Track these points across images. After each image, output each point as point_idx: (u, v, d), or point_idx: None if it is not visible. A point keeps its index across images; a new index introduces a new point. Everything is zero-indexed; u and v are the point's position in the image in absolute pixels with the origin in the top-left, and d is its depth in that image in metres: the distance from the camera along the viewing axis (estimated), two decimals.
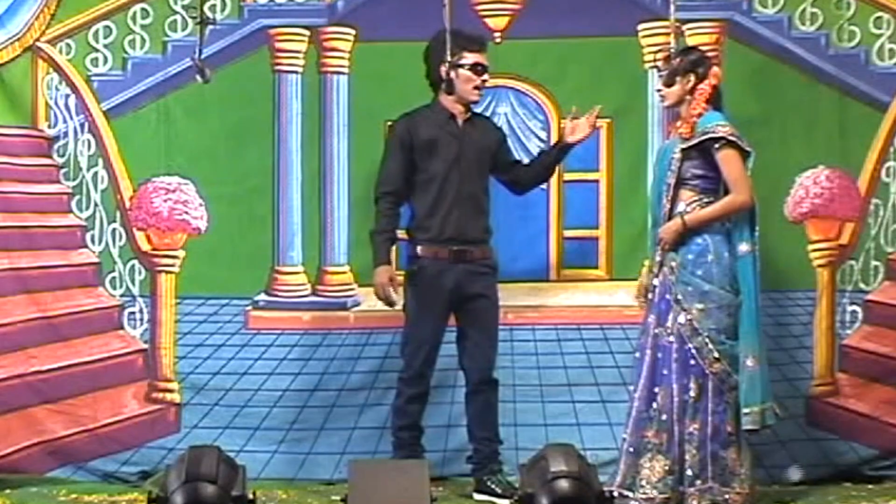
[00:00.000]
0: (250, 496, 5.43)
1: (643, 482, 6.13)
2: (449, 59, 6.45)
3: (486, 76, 6.54)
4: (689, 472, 6.08)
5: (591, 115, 6.59)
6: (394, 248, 6.56)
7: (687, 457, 6.09)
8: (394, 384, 6.77)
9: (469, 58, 6.50)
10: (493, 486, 6.52)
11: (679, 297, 6.12)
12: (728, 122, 6.20)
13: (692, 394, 6.10)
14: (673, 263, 6.16)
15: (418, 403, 6.58)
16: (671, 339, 6.14)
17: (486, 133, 6.61)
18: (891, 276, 7.10)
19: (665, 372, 6.14)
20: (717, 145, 6.13)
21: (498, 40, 7.09)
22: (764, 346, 6.20)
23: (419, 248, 6.53)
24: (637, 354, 6.29)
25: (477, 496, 6.59)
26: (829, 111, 7.07)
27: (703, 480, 6.09)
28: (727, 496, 6.09)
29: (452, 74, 6.49)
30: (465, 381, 6.64)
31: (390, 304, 6.51)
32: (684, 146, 6.17)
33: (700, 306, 6.11)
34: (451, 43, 6.43)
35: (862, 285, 7.12)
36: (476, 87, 6.52)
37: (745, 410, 6.10)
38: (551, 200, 7.13)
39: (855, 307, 7.11)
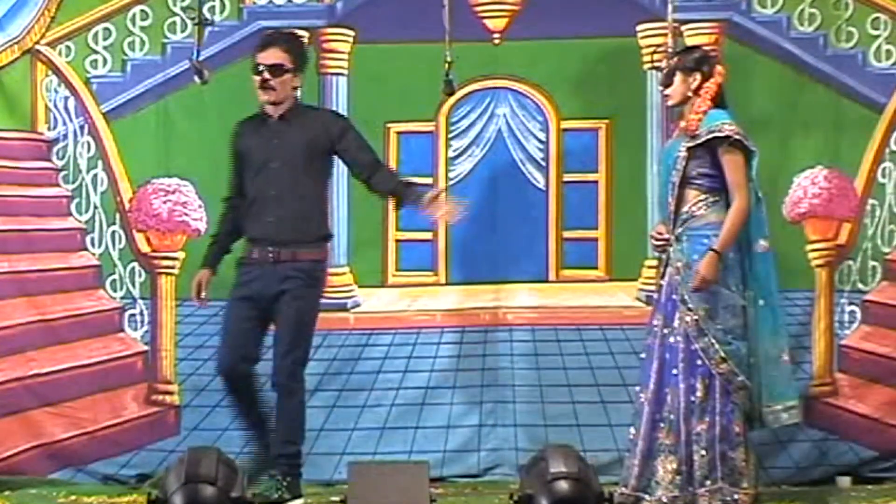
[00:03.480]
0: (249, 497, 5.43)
1: (657, 484, 6.08)
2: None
3: (267, 74, 6.28)
4: (698, 473, 6.05)
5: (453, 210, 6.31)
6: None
7: (696, 457, 6.04)
8: (395, 385, 6.78)
9: (255, 59, 6.39)
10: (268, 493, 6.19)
11: (685, 297, 6.09)
12: (733, 120, 6.18)
13: (699, 394, 6.07)
14: (679, 264, 6.12)
15: (235, 398, 6.30)
16: (677, 339, 6.11)
17: (309, 129, 6.36)
18: (889, 276, 7.11)
19: (674, 372, 6.10)
20: (723, 145, 6.08)
21: (497, 41, 7.11)
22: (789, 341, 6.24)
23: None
24: (644, 355, 6.26)
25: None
26: (827, 111, 7.08)
27: (712, 481, 6.04)
28: (736, 496, 6.07)
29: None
30: None
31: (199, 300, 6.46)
32: (690, 144, 6.11)
33: (706, 306, 6.05)
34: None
35: (860, 285, 7.12)
36: (261, 87, 6.32)
37: (789, 404, 6.10)
38: (551, 201, 7.13)
39: (853, 307, 7.11)
